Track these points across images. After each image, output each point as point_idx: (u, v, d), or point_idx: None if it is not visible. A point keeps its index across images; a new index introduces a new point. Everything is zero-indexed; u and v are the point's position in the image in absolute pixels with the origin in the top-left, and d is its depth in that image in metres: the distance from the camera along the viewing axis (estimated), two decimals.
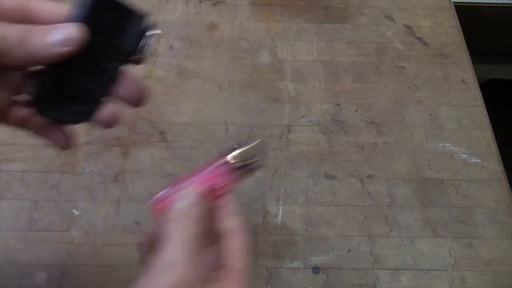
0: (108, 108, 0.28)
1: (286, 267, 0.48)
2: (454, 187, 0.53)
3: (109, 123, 0.28)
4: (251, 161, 0.31)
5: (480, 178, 0.54)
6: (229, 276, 0.29)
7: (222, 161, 0.31)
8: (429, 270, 0.48)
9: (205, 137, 0.56)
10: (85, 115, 0.27)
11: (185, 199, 0.28)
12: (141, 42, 0.28)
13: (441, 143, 0.56)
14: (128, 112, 0.58)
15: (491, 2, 0.86)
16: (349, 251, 0.49)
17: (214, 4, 0.69)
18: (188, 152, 0.55)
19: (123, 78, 0.28)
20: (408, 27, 0.67)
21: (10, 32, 0.24)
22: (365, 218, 0.51)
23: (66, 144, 0.29)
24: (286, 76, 0.62)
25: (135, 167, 0.54)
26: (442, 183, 0.53)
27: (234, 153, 0.31)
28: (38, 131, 0.28)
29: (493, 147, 0.56)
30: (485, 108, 0.59)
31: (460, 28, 0.67)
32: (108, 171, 0.53)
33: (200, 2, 0.69)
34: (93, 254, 0.48)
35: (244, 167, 0.31)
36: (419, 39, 0.66)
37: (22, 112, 0.27)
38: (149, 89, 0.29)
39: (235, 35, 0.66)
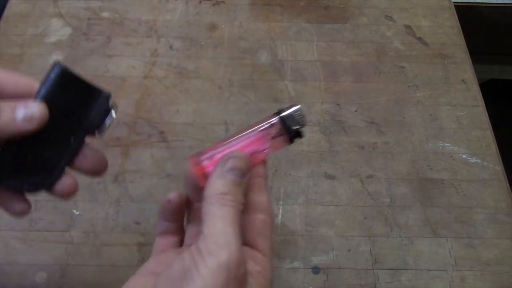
0: (67, 180, 0.29)
1: (286, 267, 0.48)
2: (454, 187, 0.53)
3: (67, 194, 0.29)
4: (295, 126, 0.30)
5: (480, 178, 0.54)
6: (255, 258, 0.28)
7: (266, 125, 0.30)
8: (429, 270, 0.48)
9: (205, 137, 0.56)
10: (44, 185, 0.29)
11: (229, 174, 0.27)
12: (104, 118, 0.29)
13: (441, 143, 0.56)
14: (129, 112, 0.58)
15: (491, 2, 0.86)
16: (349, 251, 0.49)
17: (214, 4, 0.69)
18: (188, 152, 0.55)
19: (84, 149, 0.29)
20: (408, 27, 0.67)
21: None
22: (365, 218, 0.51)
23: (22, 211, 0.29)
24: (286, 76, 0.62)
25: (135, 167, 0.54)
26: (442, 183, 0.53)
27: (278, 117, 0.30)
28: None
29: (493, 147, 0.56)
30: (485, 108, 0.59)
31: (460, 28, 0.67)
32: (108, 171, 0.53)
33: (200, 2, 0.69)
34: (93, 254, 0.48)
35: (289, 132, 0.30)
36: (419, 39, 0.66)
37: None
38: (106, 159, 0.31)
39: (235, 35, 0.66)
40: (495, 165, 0.55)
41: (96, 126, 0.29)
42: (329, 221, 0.51)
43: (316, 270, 0.48)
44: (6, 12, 0.67)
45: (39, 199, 0.51)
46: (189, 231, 0.32)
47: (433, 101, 0.60)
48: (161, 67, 0.62)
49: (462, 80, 0.62)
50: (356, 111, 0.59)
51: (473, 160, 0.55)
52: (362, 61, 0.63)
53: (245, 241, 0.29)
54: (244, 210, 0.29)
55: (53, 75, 0.27)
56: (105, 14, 0.67)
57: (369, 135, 0.57)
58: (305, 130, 0.58)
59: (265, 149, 0.30)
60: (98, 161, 0.30)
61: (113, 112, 0.29)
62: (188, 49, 0.64)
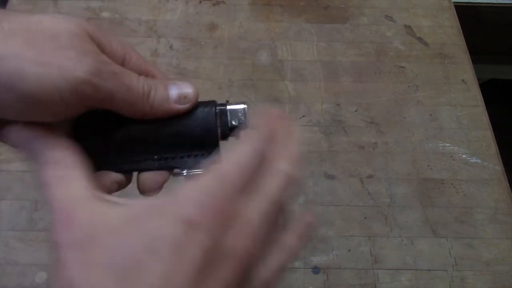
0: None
1: None
2: (454, 187, 0.53)
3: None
4: (233, 123, 0.26)
5: (480, 178, 0.54)
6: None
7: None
8: (429, 270, 0.48)
9: None
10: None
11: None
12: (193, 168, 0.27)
13: (441, 143, 0.56)
14: None
15: (491, 2, 0.86)
16: (349, 251, 0.49)
17: (214, 4, 0.69)
18: None
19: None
20: (408, 27, 0.67)
21: (138, 85, 0.24)
22: (365, 218, 0.51)
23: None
24: (286, 76, 0.62)
25: None
26: (442, 183, 0.53)
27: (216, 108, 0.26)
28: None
29: (493, 147, 0.56)
30: (485, 108, 0.59)
31: (460, 28, 0.67)
32: None
33: (200, 2, 0.69)
34: None
35: (224, 127, 0.26)
36: (419, 39, 0.66)
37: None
38: None
39: (235, 35, 0.66)
40: (495, 165, 0.55)
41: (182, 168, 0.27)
42: (329, 221, 0.51)
43: (316, 270, 0.48)
44: None
45: (39, 199, 0.51)
46: None
47: (433, 101, 0.60)
48: (161, 67, 0.62)
49: (462, 80, 0.62)
50: (356, 111, 0.59)
51: (473, 160, 0.55)
52: (362, 61, 0.63)
53: None
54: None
55: (208, 109, 0.26)
56: (105, 14, 0.67)
57: (369, 135, 0.57)
58: (303, 130, 0.58)
59: None
60: (120, 184, 0.28)
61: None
62: (188, 49, 0.64)
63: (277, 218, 0.23)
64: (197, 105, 0.26)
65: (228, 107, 0.26)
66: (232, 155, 0.22)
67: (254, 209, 0.21)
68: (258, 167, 0.22)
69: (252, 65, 0.63)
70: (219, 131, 0.26)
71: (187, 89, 0.25)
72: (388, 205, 0.52)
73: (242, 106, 0.27)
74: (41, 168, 0.23)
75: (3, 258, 0.47)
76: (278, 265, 0.23)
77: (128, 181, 0.27)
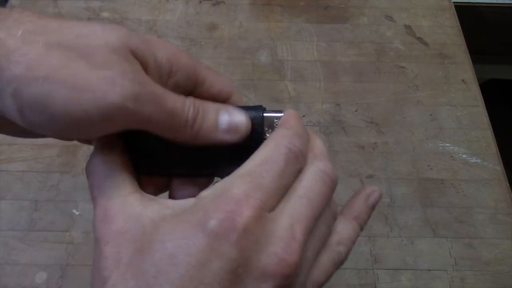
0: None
1: None
2: (454, 187, 0.53)
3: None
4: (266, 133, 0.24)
5: (480, 178, 0.54)
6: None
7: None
8: (429, 270, 0.48)
9: None
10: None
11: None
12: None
13: (441, 143, 0.56)
14: None
15: (491, 2, 0.86)
16: None
17: (214, 4, 0.69)
18: None
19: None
20: (408, 27, 0.67)
21: (182, 109, 0.21)
22: None
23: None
24: (286, 76, 0.62)
25: None
26: (442, 183, 0.53)
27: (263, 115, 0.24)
28: None
29: (493, 147, 0.56)
30: (485, 108, 0.59)
31: (460, 28, 0.67)
32: None
33: (200, 2, 0.69)
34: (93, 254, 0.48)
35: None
36: (419, 39, 0.66)
37: None
38: None
39: (235, 35, 0.66)
40: (495, 165, 0.55)
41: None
42: None
43: None
44: None
45: (39, 199, 0.51)
46: None
47: (433, 101, 0.60)
48: None
49: (462, 80, 0.62)
50: (356, 111, 0.59)
51: (473, 160, 0.55)
52: (362, 61, 0.63)
53: None
54: None
55: (255, 114, 0.24)
56: (105, 14, 0.67)
57: (369, 135, 0.57)
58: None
59: None
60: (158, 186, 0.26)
61: None
62: (188, 49, 0.64)
63: (324, 221, 0.21)
64: (243, 108, 0.24)
65: (265, 114, 0.24)
66: (264, 154, 0.20)
67: (293, 216, 0.19)
68: (293, 166, 0.20)
69: (252, 65, 0.63)
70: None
71: (240, 118, 0.22)
72: (388, 205, 0.52)
73: (280, 114, 0.24)
74: (89, 164, 0.23)
75: (3, 258, 0.47)
76: (326, 269, 0.21)
77: (167, 187, 0.26)
